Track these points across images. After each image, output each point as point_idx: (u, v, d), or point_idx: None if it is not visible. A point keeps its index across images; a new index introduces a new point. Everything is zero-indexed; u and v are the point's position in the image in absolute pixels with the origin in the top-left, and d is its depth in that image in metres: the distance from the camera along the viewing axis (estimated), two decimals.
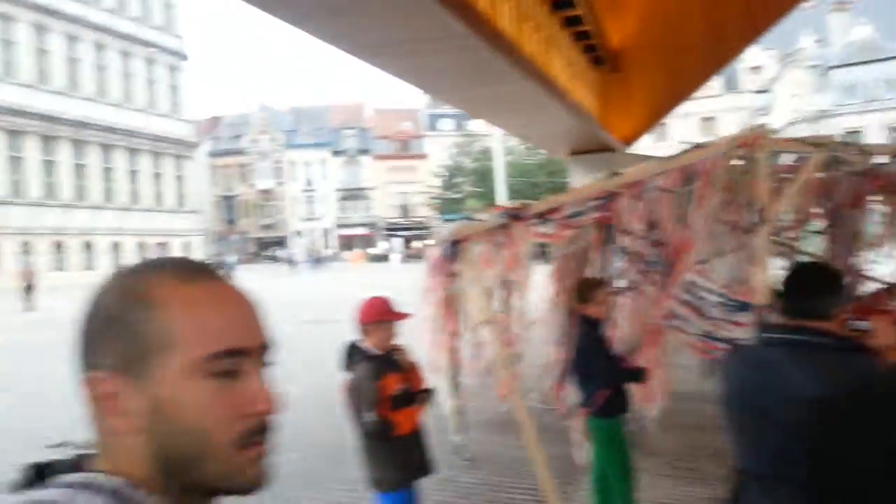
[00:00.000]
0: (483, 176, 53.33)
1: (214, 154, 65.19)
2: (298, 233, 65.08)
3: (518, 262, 4.01)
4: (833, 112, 44.63)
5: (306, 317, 17.28)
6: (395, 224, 65.19)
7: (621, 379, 3.95)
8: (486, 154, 54.77)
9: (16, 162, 34.12)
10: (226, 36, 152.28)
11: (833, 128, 33.35)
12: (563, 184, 47.52)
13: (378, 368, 3.11)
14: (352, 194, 66.05)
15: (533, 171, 51.11)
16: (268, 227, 65.79)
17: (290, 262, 47.63)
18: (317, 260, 51.73)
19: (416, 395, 3.24)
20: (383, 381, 3.09)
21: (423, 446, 3.21)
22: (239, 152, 65.69)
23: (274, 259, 56.28)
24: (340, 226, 66.14)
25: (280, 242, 62.86)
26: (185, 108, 45.63)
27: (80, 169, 37.52)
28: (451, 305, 4.10)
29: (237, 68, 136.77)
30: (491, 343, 3.83)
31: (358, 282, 32.99)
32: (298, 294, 25.99)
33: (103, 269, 37.23)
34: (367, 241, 63.68)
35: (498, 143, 39.47)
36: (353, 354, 3.16)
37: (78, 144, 37.35)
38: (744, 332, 3.89)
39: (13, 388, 9.43)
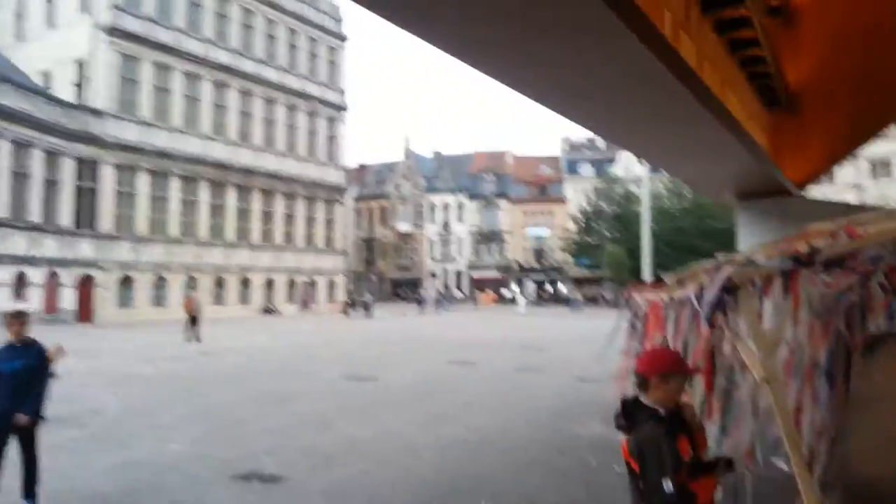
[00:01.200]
0: (623, 221, 51.93)
1: (360, 198, 68.30)
2: (433, 274, 66.25)
3: (798, 315, 3.55)
4: None
5: (448, 357, 17.22)
6: (528, 267, 64.73)
7: None
8: (626, 198, 53.41)
9: (189, 205, 37.36)
10: (386, 84, 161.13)
11: None
12: (710, 228, 45.42)
13: (669, 429, 2.77)
14: (487, 237, 66.50)
15: (678, 217, 49.04)
16: (404, 268, 67.56)
17: (420, 301, 48.53)
18: (447, 300, 52.40)
19: (718, 464, 2.87)
20: (677, 445, 2.75)
21: None
22: (383, 196, 68.39)
23: (405, 299, 57.80)
24: (473, 268, 66.61)
25: (415, 283, 64.23)
26: (341, 156, 48.43)
27: (242, 213, 40.48)
28: (710, 360, 3.70)
29: (391, 117, 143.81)
30: (773, 404, 3.38)
31: (486, 324, 32.87)
32: (429, 333, 26.17)
33: (257, 303, 39.76)
34: (500, 284, 63.59)
35: (645, 187, 38.32)
36: (636, 411, 2.84)
37: (243, 190, 40.44)
38: None
39: (205, 416, 9.94)
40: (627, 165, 58.43)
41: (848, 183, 46.45)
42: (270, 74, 42.10)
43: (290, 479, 6.72)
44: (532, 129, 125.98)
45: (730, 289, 3.43)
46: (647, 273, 39.05)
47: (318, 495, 6.25)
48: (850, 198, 41.25)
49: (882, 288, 3.98)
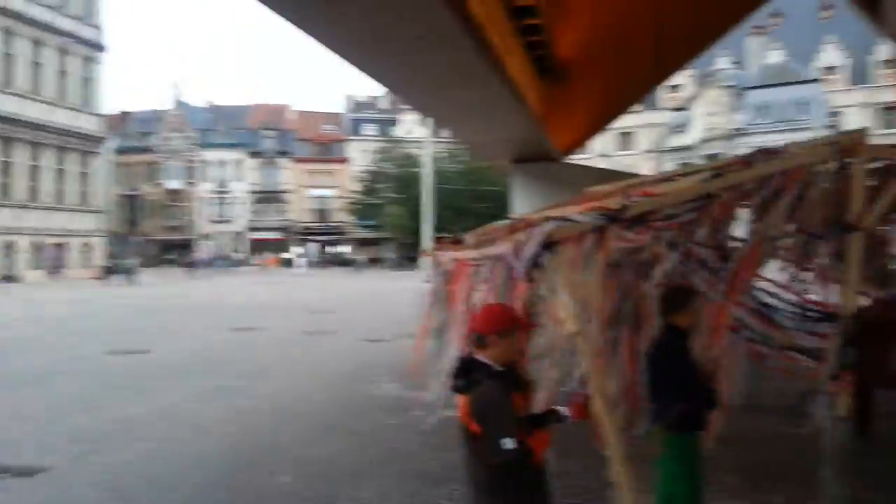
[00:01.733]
0: (405, 182, 52.98)
1: (123, 151, 61.44)
2: (206, 236, 62.36)
3: (606, 269, 3.70)
4: (747, 131, 47.27)
5: (229, 324, 16.31)
6: (311, 228, 63.69)
7: (703, 394, 3.68)
8: (408, 160, 54.48)
9: None
10: (153, 26, 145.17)
11: (746, 146, 35.30)
12: (485, 192, 48.17)
13: (506, 387, 2.70)
14: (267, 196, 64.00)
15: (455, 180, 51.21)
16: (174, 229, 62.65)
17: (192, 265, 45.57)
18: (224, 263, 49.85)
19: (549, 416, 2.85)
20: (514, 402, 2.69)
21: (546, 477, 2.83)
22: (149, 149, 62.31)
23: (176, 263, 53.66)
24: (253, 229, 63.92)
25: (186, 246, 60.02)
26: (99, 102, 42.87)
27: None
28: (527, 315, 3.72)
29: (157, 61, 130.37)
30: (583, 356, 3.48)
31: (268, 287, 31.88)
32: (205, 299, 24.68)
33: None
34: (281, 245, 61.85)
35: (426, 150, 39.34)
36: (473, 371, 2.73)
37: None
38: (826, 343, 3.75)
39: None
40: (410, 128, 59.59)
41: (598, 152, 51.79)
42: (13, 1, 35.77)
43: (53, 469, 5.78)
44: (314, 83, 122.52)
45: (548, 244, 3.45)
46: (428, 234, 40.53)
47: (86, 486, 5.43)
48: (602, 166, 46.07)
49: (670, 244, 4.32)
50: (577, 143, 22.75)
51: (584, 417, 3.11)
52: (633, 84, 19.28)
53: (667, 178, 5.10)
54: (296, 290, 29.98)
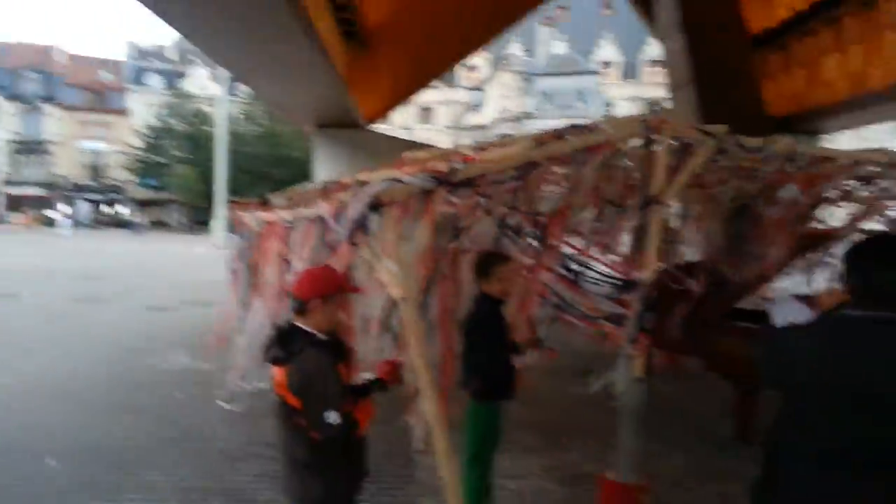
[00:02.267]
0: (195, 141, 49.32)
1: None
2: None
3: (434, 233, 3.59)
4: (535, 115, 50.48)
5: None
6: (82, 185, 57.03)
7: (508, 365, 3.71)
8: (199, 117, 50.69)
9: None
10: None
11: (533, 129, 37.73)
12: (285, 156, 46.47)
13: (330, 356, 2.48)
14: (29, 147, 56.01)
15: (252, 143, 48.74)
16: None
17: None
18: None
19: (373, 385, 2.67)
20: (339, 372, 2.47)
21: (367, 450, 2.66)
22: None
23: None
24: (11, 183, 55.78)
25: None
26: None
27: None
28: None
29: None
30: (406, 322, 3.35)
31: (28, 249, 28.14)
32: None
33: None
34: (45, 203, 54.71)
35: (221, 107, 36.82)
36: (292, 339, 2.46)
37: None
38: (628, 311, 4.01)
39: None
40: (200, 83, 55.38)
41: (399, 125, 52.35)
42: None
43: None
44: (90, 26, 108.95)
45: (375, 206, 3.26)
46: (221, 198, 38.11)
47: None
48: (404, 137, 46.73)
49: (488, 210, 4.34)
50: (381, 113, 22.67)
51: (395, 382, 2.96)
52: (435, 58, 19.60)
53: (480, 148, 5.14)
54: (63, 252, 26.65)
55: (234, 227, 6.54)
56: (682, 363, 6.45)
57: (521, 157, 3.65)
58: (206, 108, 49.43)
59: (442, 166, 3.51)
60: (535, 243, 4.32)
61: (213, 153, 42.08)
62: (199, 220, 47.55)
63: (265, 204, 5.73)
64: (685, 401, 6.49)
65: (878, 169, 4.93)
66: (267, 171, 46.18)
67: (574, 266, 4.34)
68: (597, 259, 4.41)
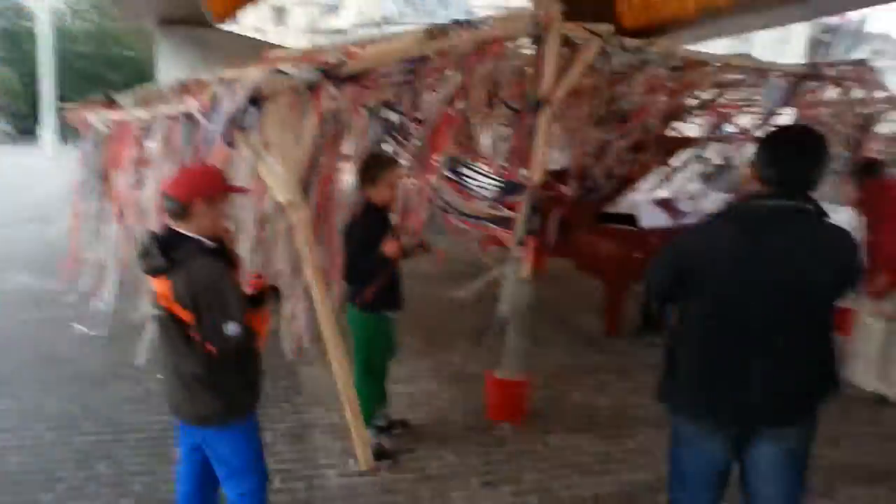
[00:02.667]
0: (14, 39, 43.29)
1: None
2: None
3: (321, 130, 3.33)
4: (395, 20, 48.88)
5: None
6: None
7: (391, 276, 3.53)
8: (17, 13, 44.29)
9: None
10: None
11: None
12: (119, 57, 41.98)
13: (223, 264, 2.23)
14: None
15: (81, 41, 43.58)
16: None
17: None
18: None
19: (267, 294, 2.46)
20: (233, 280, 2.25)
21: (261, 364, 2.48)
22: None
23: None
24: None
25: None
26: None
27: None
28: None
29: None
30: (296, 227, 3.11)
31: None
32: None
33: None
34: None
35: (43, 2, 32.39)
36: (175, 247, 2.19)
37: None
38: (515, 213, 4.01)
39: None
40: None
41: (251, 26, 48.81)
42: None
43: None
44: None
45: (255, 100, 2.94)
46: (49, 102, 34.02)
47: None
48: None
49: (372, 110, 4.11)
50: (232, 11, 20.90)
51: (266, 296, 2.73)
52: None
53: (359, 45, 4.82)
54: None
55: (72, 131, 5.80)
56: (546, 265, 6.69)
57: (411, 51, 3.44)
58: (26, 3, 43.23)
59: (333, 56, 3.24)
60: (421, 146, 4.16)
61: (35, 53, 37.26)
62: (24, 129, 42.42)
63: (111, 103, 5.09)
64: (556, 301, 6.79)
65: (742, 76, 5.19)
66: (100, 74, 41.67)
67: (460, 169, 4.25)
68: (483, 161, 4.34)
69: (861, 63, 5.89)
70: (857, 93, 5.95)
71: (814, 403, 2.14)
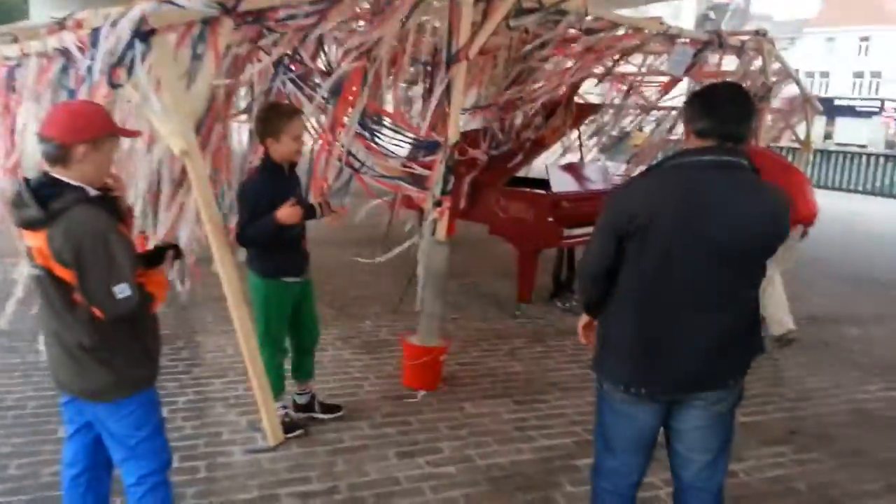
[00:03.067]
0: None
1: None
2: None
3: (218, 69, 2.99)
4: None
5: None
6: None
7: (289, 242, 3.19)
8: None
9: None
10: None
11: None
12: None
13: (109, 216, 1.91)
14: None
15: None
16: None
17: None
18: None
19: (166, 252, 2.14)
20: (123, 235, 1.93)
21: (158, 329, 2.18)
22: None
23: None
24: None
25: None
26: None
27: None
28: None
29: None
30: (192, 177, 2.77)
31: None
32: None
33: None
34: None
35: None
36: (54, 195, 1.85)
37: None
38: (431, 172, 3.82)
39: None
40: None
41: None
42: None
43: None
44: None
45: (143, 34, 2.58)
46: None
47: None
48: None
49: (277, 62, 3.78)
50: None
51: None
52: None
53: None
54: None
55: None
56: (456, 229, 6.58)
57: None
58: None
59: None
60: (329, 99, 3.87)
61: None
62: None
63: None
64: (469, 266, 6.71)
65: (649, 42, 5.20)
66: None
67: (372, 125, 3.99)
68: (396, 118, 4.11)
69: (761, 34, 6.06)
70: (757, 63, 6.15)
71: (745, 364, 2.11)
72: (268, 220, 3.00)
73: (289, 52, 3.61)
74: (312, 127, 4.05)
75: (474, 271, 6.73)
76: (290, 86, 3.86)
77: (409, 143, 4.02)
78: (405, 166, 3.90)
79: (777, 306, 4.89)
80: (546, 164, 5.77)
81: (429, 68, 4.02)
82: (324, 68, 4.05)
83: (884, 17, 42.05)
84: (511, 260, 5.76)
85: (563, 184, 5.59)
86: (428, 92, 4.32)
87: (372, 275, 6.27)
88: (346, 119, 3.92)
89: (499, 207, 5.45)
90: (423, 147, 3.91)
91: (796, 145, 7.11)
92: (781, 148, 11.05)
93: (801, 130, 6.80)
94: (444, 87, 3.77)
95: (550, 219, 5.21)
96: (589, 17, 4.51)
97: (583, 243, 5.35)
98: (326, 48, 4.04)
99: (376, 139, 3.97)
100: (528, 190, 5.69)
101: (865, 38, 44.06)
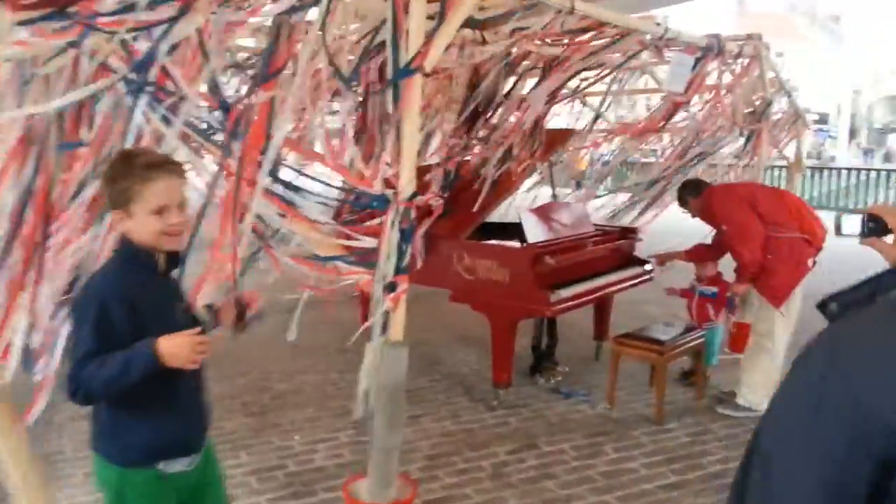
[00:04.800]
0: None
1: None
2: None
3: None
4: None
5: None
6: None
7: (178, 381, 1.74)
8: None
9: None
10: None
11: None
12: None
13: None
14: None
15: None
16: None
17: None
18: None
19: None
20: None
21: None
22: None
23: None
24: None
25: None
26: None
27: None
28: None
29: None
30: None
31: None
32: None
33: None
34: None
35: None
36: None
37: None
38: (378, 240, 2.57)
39: None
40: None
41: None
42: None
43: None
44: None
45: None
46: None
47: None
48: None
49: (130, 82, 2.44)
50: None
51: None
52: None
53: None
54: None
55: None
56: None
57: None
58: None
59: None
60: (224, 140, 2.57)
61: None
62: None
63: None
64: (425, 335, 5.45)
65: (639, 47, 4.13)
66: None
67: (289, 174, 2.72)
68: (322, 161, 2.83)
69: (755, 37, 5.10)
70: (754, 72, 5.19)
71: None
72: (131, 359, 1.66)
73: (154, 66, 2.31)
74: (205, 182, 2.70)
75: (431, 336, 5.48)
76: (161, 121, 2.54)
77: (346, 197, 2.77)
78: (339, 234, 2.63)
79: (767, 376, 3.95)
80: (518, 204, 4.60)
81: (357, 89, 2.77)
82: (212, 94, 2.73)
83: (798, 36, 43.54)
84: (477, 317, 4.52)
85: (540, 231, 4.42)
86: (361, 123, 3.09)
87: (304, 354, 4.94)
88: (252, 167, 2.62)
89: (462, 268, 4.20)
90: (366, 201, 2.66)
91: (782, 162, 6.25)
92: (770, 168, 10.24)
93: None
94: (392, 115, 2.55)
95: (529, 281, 3.98)
96: (574, 13, 3.38)
97: (577, 307, 4.17)
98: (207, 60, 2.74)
99: (294, 194, 2.67)
100: (499, 244, 4.46)
101: (780, 54, 45.62)
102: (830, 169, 17.32)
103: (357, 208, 2.71)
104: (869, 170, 17.47)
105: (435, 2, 2.64)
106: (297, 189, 2.54)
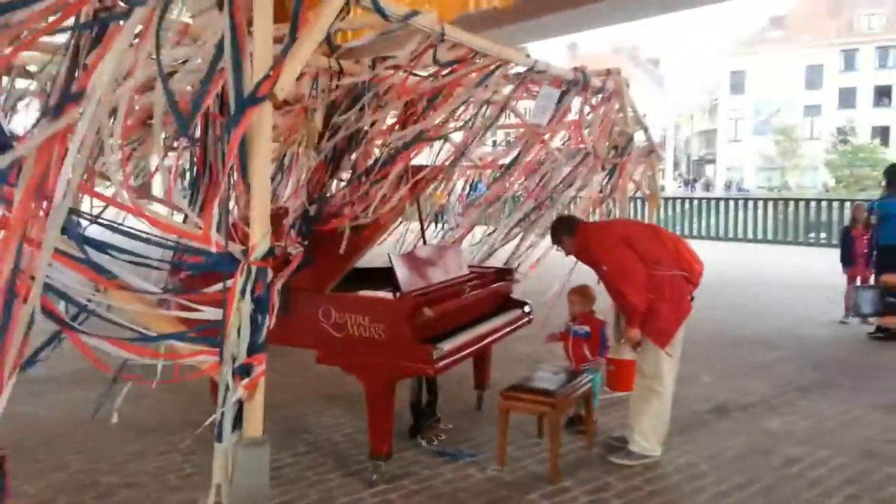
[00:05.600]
0: None
1: None
2: None
3: None
4: None
5: None
6: None
7: None
8: None
9: None
10: None
11: None
12: None
13: None
14: None
15: None
16: None
17: None
18: None
19: None
20: None
21: None
22: None
23: None
24: None
25: None
26: None
27: None
28: None
29: None
30: None
31: None
32: None
33: None
34: None
35: None
36: None
37: None
38: (224, 310, 2.02)
39: None
40: None
41: None
42: None
43: None
44: None
45: None
46: None
47: None
48: None
49: None
50: None
51: None
52: None
53: None
54: None
55: None
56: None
57: None
58: None
59: None
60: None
61: None
62: None
63: None
64: (276, 387, 4.81)
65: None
66: None
67: (99, 230, 2.10)
68: (144, 214, 2.23)
69: (614, 73, 5.09)
70: (615, 105, 5.18)
71: None
72: None
73: None
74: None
75: (291, 397, 4.86)
76: None
77: (171, 262, 2.19)
78: (165, 305, 2.05)
79: (658, 419, 3.85)
80: (387, 252, 4.14)
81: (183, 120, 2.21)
82: None
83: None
84: (345, 378, 3.99)
85: (415, 278, 4.00)
86: (200, 162, 2.54)
87: (139, 434, 4.14)
88: (40, 219, 1.99)
89: (330, 325, 3.67)
90: (198, 266, 2.10)
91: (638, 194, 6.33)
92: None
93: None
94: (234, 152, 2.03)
95: (407, 338, 3.53)
96: (445, 40, 3.04)
97: (462, 360, 3.76)
98: None
99: (103, 254, 2.06)
100: (371, 295, 3.98)
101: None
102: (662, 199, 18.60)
103: (192, 271, 2.14)
104: (692, 198, 19.00)
105: (284, 23, 2.18)
106: (104, 247, 1.93)
